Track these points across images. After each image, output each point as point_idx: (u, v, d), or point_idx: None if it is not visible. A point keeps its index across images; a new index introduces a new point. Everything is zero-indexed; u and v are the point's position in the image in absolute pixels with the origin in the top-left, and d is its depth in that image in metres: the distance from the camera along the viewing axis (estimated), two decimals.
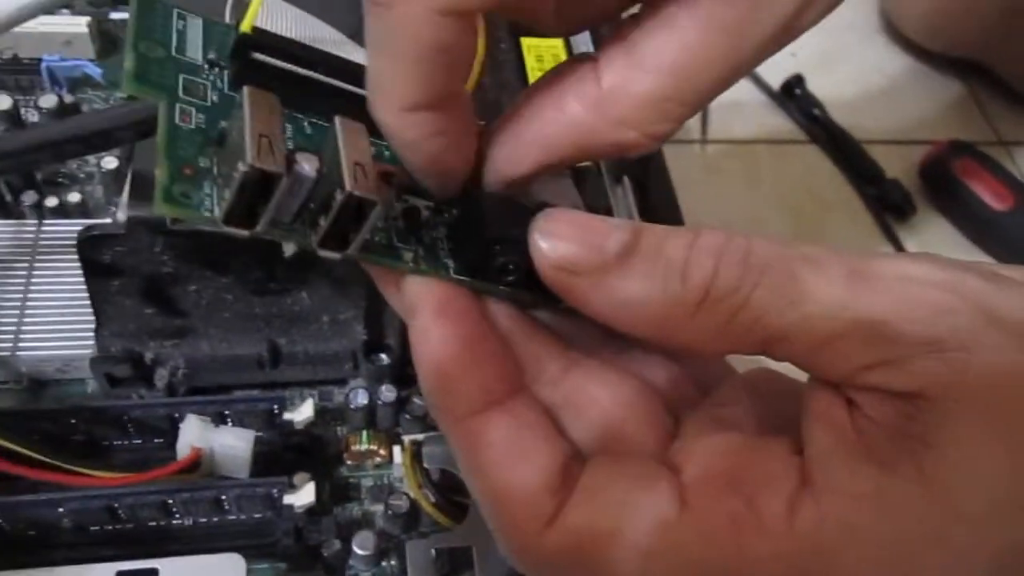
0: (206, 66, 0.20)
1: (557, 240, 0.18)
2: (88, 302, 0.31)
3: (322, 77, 0.20)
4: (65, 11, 0.41)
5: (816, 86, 0.61)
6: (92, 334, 0.32)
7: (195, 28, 0.20)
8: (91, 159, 0.38)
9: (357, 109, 0.19)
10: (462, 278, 0.19)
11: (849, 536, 0.16)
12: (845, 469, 0.17)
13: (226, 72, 0.20)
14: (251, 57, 0.19)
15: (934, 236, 0.56)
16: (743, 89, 0.61)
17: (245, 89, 0.17)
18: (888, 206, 0.56)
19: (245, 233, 0.17)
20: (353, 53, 0.20)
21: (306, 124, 0.20)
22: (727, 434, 0.19)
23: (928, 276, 0.17)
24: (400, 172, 0.19)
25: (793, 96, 0.61)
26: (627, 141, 0.18)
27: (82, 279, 0.30)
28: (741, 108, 0.60)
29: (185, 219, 0.17)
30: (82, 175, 0.38)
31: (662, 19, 0.17)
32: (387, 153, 0.20)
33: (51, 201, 0.36)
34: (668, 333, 0.17)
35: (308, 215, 0.18)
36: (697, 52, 0.17)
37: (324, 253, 0.18)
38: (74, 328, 0.33)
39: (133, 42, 0.19)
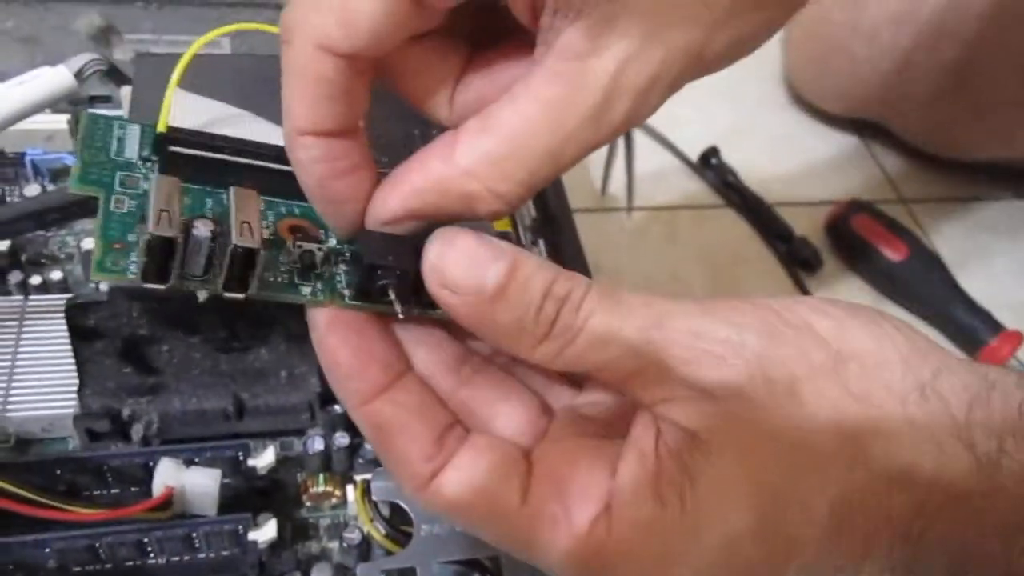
0: (140, 162, 0.24)
1: (446, 264, 0.22)
2: (69, 366, 0.35)
3: (230, 157, 0.25)
4: (47, 109, 0.46)
5: (730, 155, 0.67)
6: (73, 396, 0.35)
7: (133, 134, 0.25)
8: (71, 241, 0.43)
9: (262, 179, 0.23)
10: (355, 303, 0.23)
11: (624, 552, 0.22)
12: (635, 501, 0.22)
13: (156, 165, 0.24)
14: (169, 151, 0.24)
15: (840, 287, 0.61)
16: (665, 160, 0.67)
17: (154, 176, 0.22)
18: (798, 261, 0.62)
19: (162, 287, 0.21)
20: (253, 125, 0.24)
21: (224, 197, 0.24)
22: (577, 441, 0.24)
23: (713, 333, 0.22)
24: (306, 225, 0.24)
25: (710, 165, 0.67)
26: (474, 191, 0.22)
27: (64, 347, 0.34)
28: (663, 177, 0.65)
29: (115, 282, 0.22)
30: (62, 256, 0.42)
31: (509, 96, 0.22)
32: (296, 210, 0.25)
33: (35, 279, 0.40)
34: (518, 352, 0.22)
35: (215, 269, 0.22)
36: (528, 120, 0.21)
37: (229, 295, 0.22)
38: (57, 391, 0.36)
39: (79, 150, 0.24)
